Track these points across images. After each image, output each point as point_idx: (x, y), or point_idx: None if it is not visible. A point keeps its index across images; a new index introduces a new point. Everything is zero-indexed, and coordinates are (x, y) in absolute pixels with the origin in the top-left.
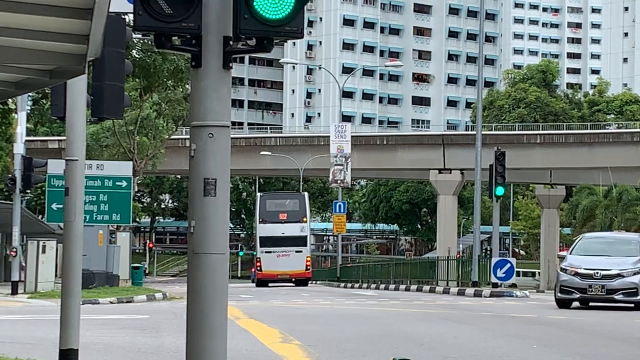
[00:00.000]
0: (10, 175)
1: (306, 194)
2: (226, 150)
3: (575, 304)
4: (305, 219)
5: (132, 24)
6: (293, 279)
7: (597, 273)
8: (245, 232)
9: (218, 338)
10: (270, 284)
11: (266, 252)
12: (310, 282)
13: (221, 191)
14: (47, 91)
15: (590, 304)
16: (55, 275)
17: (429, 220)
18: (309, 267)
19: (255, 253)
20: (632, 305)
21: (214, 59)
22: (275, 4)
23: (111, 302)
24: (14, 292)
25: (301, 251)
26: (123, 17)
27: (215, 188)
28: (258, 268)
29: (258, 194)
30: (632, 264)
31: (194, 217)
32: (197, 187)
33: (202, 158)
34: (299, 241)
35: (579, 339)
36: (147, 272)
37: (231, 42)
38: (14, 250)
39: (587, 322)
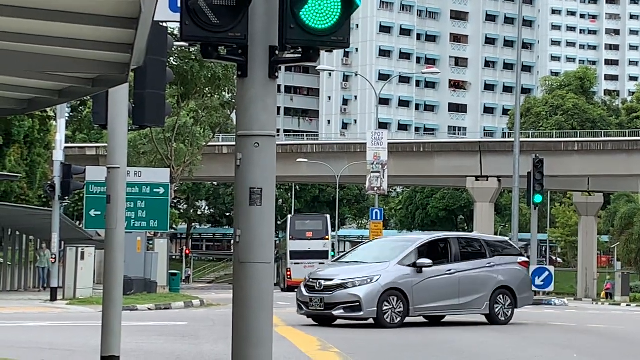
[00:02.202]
0: (49, 182)
1: (328, 216)
2: (272, 160)
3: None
4: (327, 237)
5: (172, 32)
6: None
7: (319, 284)
8: (279, 239)
9: (264, 346)
10: (295, 289)
11: (295, 263)
12: None
13: (267, 200)
14: (85, 98)
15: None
16: (93, 282)
17: (466, 228)
18: None
19: (285, 263)
20: (359, 322)
21: (259, 68)
22: (322, 13)
23: (149, 309)
24: (53, 298)
25: (323, 263)
26: (164, 25)
27: (261, 197)
28: (288, 276)
29: (288, 216)
30: (371, 272)
31: (240, 226)
32: (243, 196)
33: (248, 167)
34: (322, 255)
35: (621, 348)
36: (189, 278)
37: (277, 52)
38: (54, 256)
39: (629, 331)
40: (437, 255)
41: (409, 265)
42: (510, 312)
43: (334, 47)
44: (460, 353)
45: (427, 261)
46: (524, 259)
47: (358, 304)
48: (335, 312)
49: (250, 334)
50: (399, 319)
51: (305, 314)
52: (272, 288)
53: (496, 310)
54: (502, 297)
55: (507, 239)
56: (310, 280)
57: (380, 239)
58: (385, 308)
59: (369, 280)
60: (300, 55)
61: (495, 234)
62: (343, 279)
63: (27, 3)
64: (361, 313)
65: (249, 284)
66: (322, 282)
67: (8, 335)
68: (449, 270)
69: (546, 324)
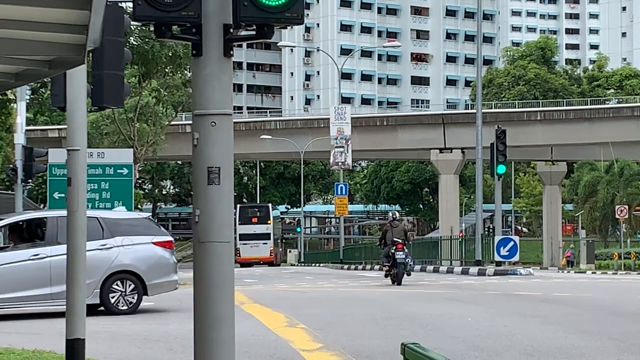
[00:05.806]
0: (11, 166)
1: (270, 204)
2: (229, 139)
3: None
4: (269, 222)
5: (130, 12)
6: (262, 262)
7: None
8: None
9: (225, 326)
10: (243, 266)
11: (243, 244)
12: (279, 264)
13: (225, 179)
14: (45, 80)
15: None
16: None
17: (431, 200)
18: (272, 254)
19: (235, 244)
20: None
21: (214, 47)
22: None
23: None
24: None
25: (266, 243)
26: (121, 5)
27: (219, 176)
28: (238, 255)
29: (238, 205)
30: None
31: (199, 206)
32: (201, 176)
33: (205, 147)
34: (265, 236)
35: (585, 315)
36: None
37: (231, 30)
38: None
39: (593, 298)
40: (30, 237)
41: None
42: (136, 299)
43: (288, 23)
44: (424, 326)
45: None
46: (163, 238)
47: None
48: None
49: (211, 314)
50: None
51: None
52: (232, 267)
53: (112, 298)
54: (121, 283)
55: (145, 215)
56: None
57: None
58: None
59: None
60: (255, 33)
61: (460, 205)
62: None
63: None
64: None
65: (209, 264)
66: None
67: None
68: (37, 254)
69: (512, 294)
